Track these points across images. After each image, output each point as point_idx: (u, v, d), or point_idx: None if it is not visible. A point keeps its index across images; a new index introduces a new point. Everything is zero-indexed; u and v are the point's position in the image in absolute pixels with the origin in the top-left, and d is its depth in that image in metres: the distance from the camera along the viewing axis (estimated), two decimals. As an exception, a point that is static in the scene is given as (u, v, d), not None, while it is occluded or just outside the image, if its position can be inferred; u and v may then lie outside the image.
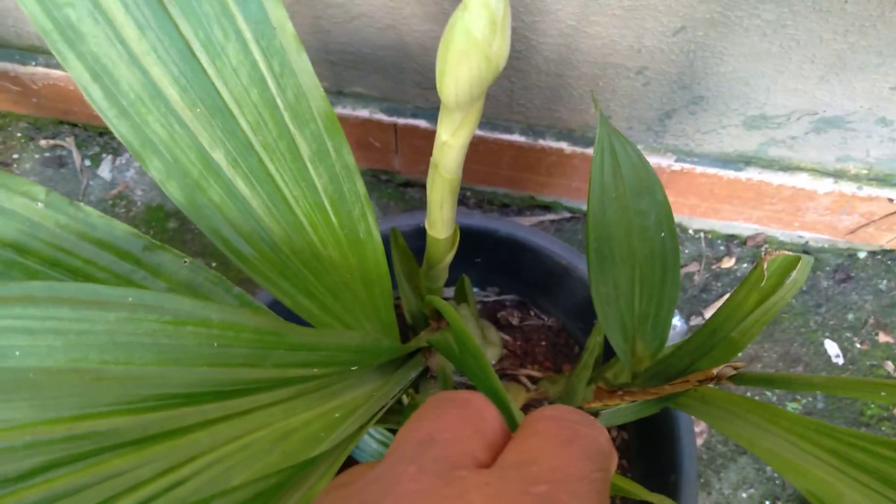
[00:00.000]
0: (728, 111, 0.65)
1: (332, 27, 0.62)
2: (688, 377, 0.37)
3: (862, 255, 0.88)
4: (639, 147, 0.73)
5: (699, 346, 0.37)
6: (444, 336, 0.35)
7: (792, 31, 0.53)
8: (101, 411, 0.19)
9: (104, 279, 0.31)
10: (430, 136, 0.76)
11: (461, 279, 0.53)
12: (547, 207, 0.90)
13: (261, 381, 0.25)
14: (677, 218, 0.88)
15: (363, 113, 0.75)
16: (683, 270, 0.88)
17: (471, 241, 0.57)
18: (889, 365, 0.83)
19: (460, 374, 0.66)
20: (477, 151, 0.77)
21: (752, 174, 0.73)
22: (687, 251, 0.89)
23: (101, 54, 0.29)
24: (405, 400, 0.45)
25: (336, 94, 0.74)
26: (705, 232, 0.90)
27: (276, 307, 0.48)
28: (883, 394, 0.27)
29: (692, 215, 0.86)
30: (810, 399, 0.82)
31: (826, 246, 0.88)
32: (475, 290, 0.78)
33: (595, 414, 0.46)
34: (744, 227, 0.87)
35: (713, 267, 0.88)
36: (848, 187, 0.73)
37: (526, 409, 0.63)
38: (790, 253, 0.34)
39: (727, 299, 0.37)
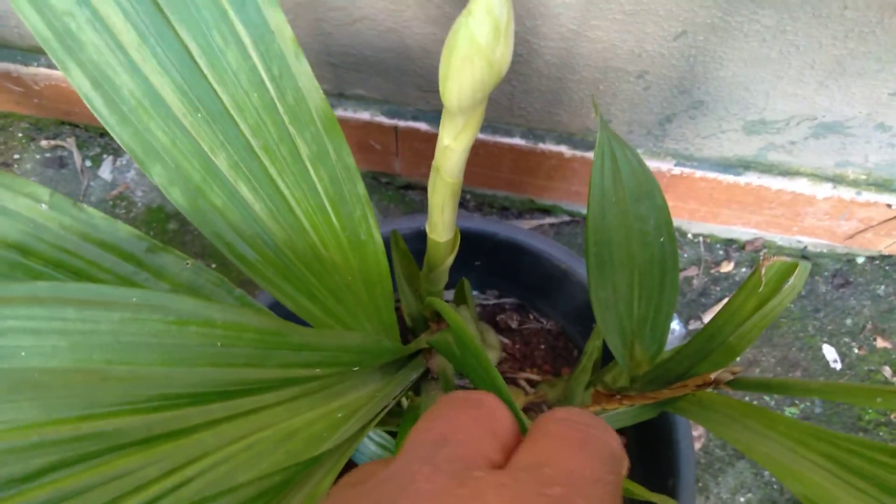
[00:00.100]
0: (728, 116, 0.65)
1: (333, 30, 0.63)
2: (686, 382, 0.37)
3: (860, 260, 0.89)
4: (639, 151, 0.74)
5: (697, 351, 0.37)
6: (444, 336, 0.35)
7: (791, 36, 0.53)
8: (107, 411, 0.19)
9: (107, 280, 0.31)
10: (430, 138, 0.76)
11: (461, 282, 0.53)
12: (547, 211, 0.90)
13: (264, 381, 0.26)
14: (677, 222, 0.88)
15: (364, 115, 0.75)
16: (682, 274, 0.88)
17: (471, 244, 0.57)
18: (887, 370, 0.83)
19: (460, 377, 0.66)
20: (477, 154, 0.78)
21: (752, 179, 0.74)
22: (686, 255, 0.89)
23: (101, 62, 0.29)
24: (404, 403, 0.46)
25: (337, 96, 0.74)
26: (704, 236, 0.90)
27: (277, 309, 0.48)
28: (879, 399, 0.27)
29: (691, 219, 0.86)
30: (808, 403, 0.83)
31: (825, 251, 0.88)
32: (475, 293, 0.78)
33: (594, 417, 0.46)
34: (743, 232, 0.87)
35: (712, 271, 0.88)
36: (847, 192, 0.74)
37: (524, 412, 0.63)
38: (788, 259, 0.34)
39: (725, 304, 0.37)
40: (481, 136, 0.74)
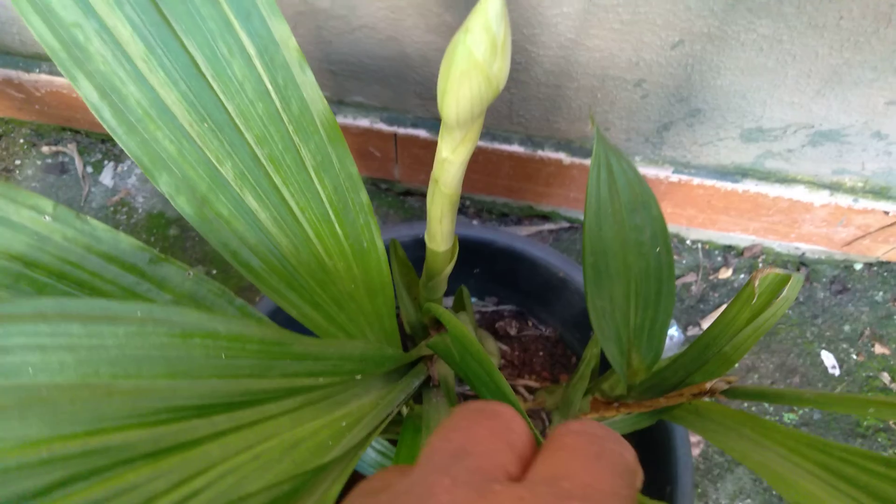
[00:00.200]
0: (725, 124, 0.65)
1: (333, 38, 0.63)
2: (682, 391, 0.38)
3: (858, 266, 0.89)
4: (636, 158, 0.74)
5: (693, 360, 0.38)
6: (443, 338, 0.36)
7: (788, 46, 0.54)
8: (114, 425, 0.20)
9: (110, 292, 0.32)
10: (429, 145, 0.77)
11: (460, 289, 0.53)
12: (545, 217, 0.90)
13: (268, 391, 0.26)
14: (675, 229, 0.89)
15: (364, 122, 0.76)
16: (681, 281, 0.89)
17: (469, 252, 0.58)
18: (885, 376, 0.84)
19: (461, 383, 0.67)
20: (476, 161, 0.78)
21: (749, 186, 0.74)
22: (684, 262, 0.90)
23: (108, 73, 0.29)
24: (404, 411, 0.46)
25: (337, 103, 0.75)
26: (703, 243, 0.90)
27: (276, 316, 0.48)
28: (871, 410, 0.28)
29: (690, 226, 0.86)
30: (807, 410, 0.83)
31: (822, 257, 0.89)
32: (473, 300, 0.78)
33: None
34: (741, 238, 0.88)
35: (710, 277, 0.89)
36: (844, 200, 0.74)
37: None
38: (781, 271, 0.34)
39: (720, 315, 0.37)
40: (480, 143, 0.75)
